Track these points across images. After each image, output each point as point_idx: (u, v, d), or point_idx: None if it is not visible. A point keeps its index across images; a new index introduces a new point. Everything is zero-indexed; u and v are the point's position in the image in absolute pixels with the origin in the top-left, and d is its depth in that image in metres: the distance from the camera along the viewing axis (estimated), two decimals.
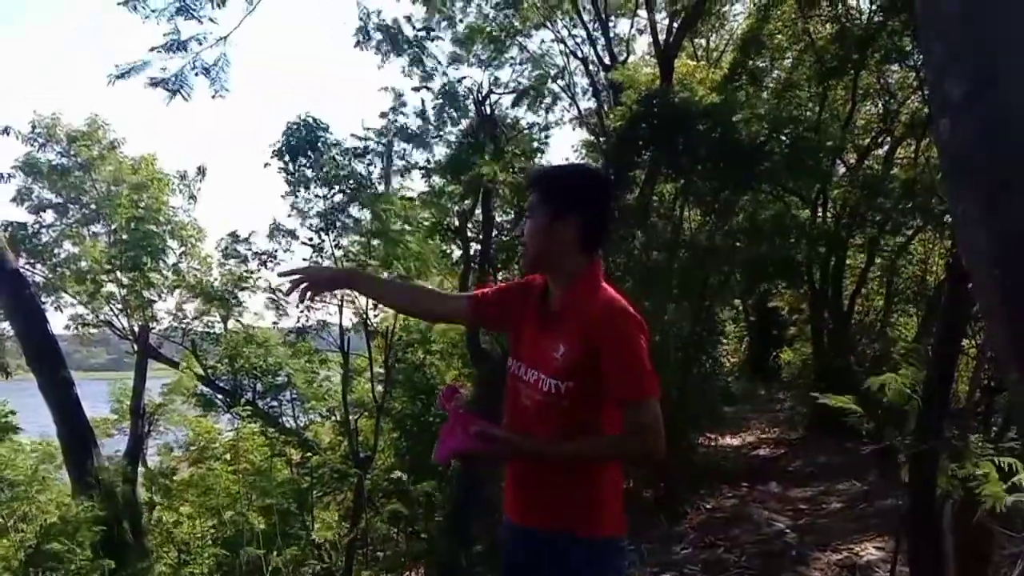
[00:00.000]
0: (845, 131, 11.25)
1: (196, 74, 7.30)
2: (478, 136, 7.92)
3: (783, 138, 9.02)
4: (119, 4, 6.84)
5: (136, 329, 12.38)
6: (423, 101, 8.43)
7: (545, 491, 2.13)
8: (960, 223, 2.23)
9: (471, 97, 7.90)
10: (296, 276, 2.33)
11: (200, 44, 7.13)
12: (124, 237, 12.10)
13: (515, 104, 10.54)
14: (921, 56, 10.32)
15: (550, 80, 11.31)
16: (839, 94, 11.84)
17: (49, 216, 13.05)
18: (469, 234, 8.23)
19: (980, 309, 2.28)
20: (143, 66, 7.18)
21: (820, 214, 11.64)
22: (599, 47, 13.69)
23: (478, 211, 7.98)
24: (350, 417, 8.53)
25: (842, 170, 12.33)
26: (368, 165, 8.53)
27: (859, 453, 9.17)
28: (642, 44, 15.79)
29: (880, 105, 12.22)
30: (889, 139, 12.27)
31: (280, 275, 2.45)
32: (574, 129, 14.15)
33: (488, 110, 7.64)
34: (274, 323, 11.25)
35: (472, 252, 8.22)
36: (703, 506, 7.68)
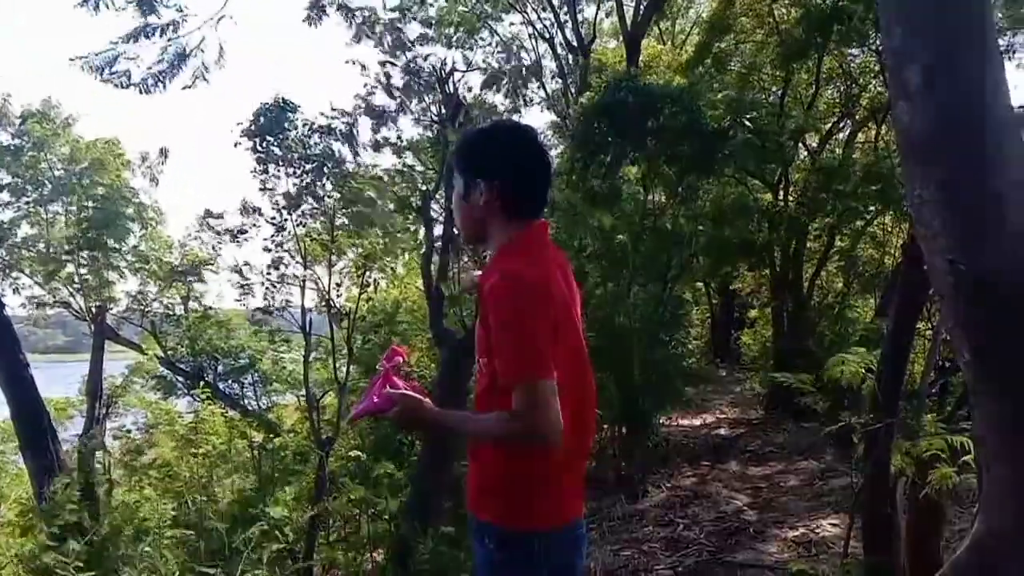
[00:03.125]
0: (808, 114, 11.37)
1: (175, 64, 7.22)
2: (441, 114, 7.86)
3: (746, 123, 9.09)
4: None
5: (93, 310, 12.18)
6: (387, 76, 8.33)
7: (475, 476, 2.02)
8: (916, 205, 2.28)
9: (435, 75, 7.80)
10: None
11: (175, 31, 7.06)
12: (85, 216, 11.86)
13: (484, 87, 10.50)
14: (881, 40, 10.47)
15: (522, 70, 11.25)
16: (802, 77, 11.96)
17: (4, 196, 12.76)
18: (432, 214, 8.17)
19: (934, 291, 2.32)
20: (114, 59, 7.10)
21: (782, 198, 11.78)
22: (567, 30, 13.68)
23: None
24: (313, 399, 8.48)
25: (804, 154, 12.47)
26: (336, 141, 8.44)
27: (816, 433, 9.39)
28: (609, 26, 15.77)
29: (842, 89, 12.36)
30: (850, 123, 12.43)
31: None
32: (542, 111, 14.09)
33: (451, 88, 7.56)
34: (237, 300, 11.06)
35: (435, 233, 8.18)
36: (664, 485, 7.77)
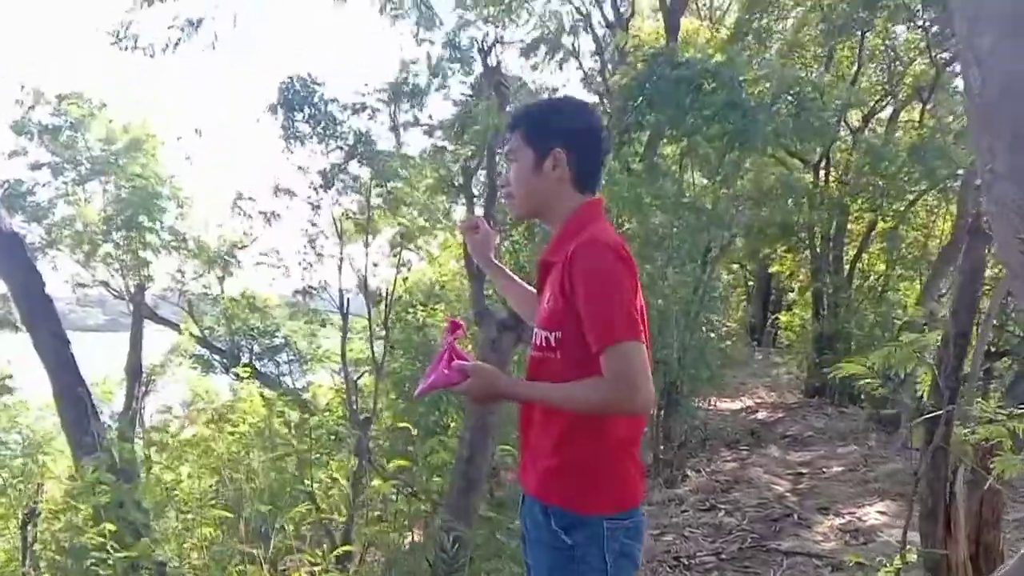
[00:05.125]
0: (850, 93, 11.13)
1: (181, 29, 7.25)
2: (482, 89, 7.72)
3: (789, 98, 8.88)
4: None
5: (131, 289, 12.32)
6: (428, 55, 8.20)
7: (540, 457, 1.93)
8: (987, 178, 2.15)
9: (475, 48, 7.64)
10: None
11: None
12: (121, 195, 11.97)
13: (525, 54, 10.29)
14: (927, 19, 10.19)
15: (563, 35, 10.99)
16: (845, 55, 11.69)
17: (44, 175, 12.91)
18: (473, 193, 8.08)
19: (1005, 268, 2.20)
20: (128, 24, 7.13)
21: (823, 178, 11.56)
22: (605, 7, 13.47)
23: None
24: (350, 378, 8.47)
25: (844, 133, 12.22)
26: (368, 120, 8.37)
27: (856, 418, 9.24)
28: (648, 4, 15.50)
29: (885, 67, 12.08)
30: (893, 102, 12.15)
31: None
32: (587, 95, 13.88)
33: (493, 61, 7.40)
34: (271, 284, 11.12)
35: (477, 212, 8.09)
36: (703, 469, 7.69)
